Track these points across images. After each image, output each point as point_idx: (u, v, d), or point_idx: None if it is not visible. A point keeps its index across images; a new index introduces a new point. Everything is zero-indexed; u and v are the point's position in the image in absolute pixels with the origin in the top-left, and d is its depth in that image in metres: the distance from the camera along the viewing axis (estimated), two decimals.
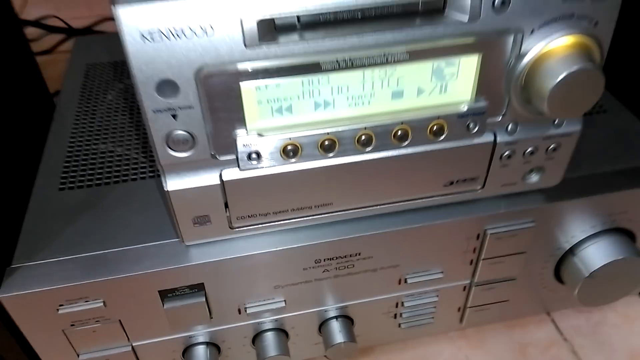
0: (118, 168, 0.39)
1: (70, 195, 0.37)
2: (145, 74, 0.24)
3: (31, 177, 0.39)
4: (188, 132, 0.26)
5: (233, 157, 0.27)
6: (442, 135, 0.29)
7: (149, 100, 0.24)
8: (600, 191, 0.35)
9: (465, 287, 0.39)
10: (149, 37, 0.23)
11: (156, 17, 0.22)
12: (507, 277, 0.38)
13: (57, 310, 0.32)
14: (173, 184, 0.28)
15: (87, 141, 0.42)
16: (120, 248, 0.33)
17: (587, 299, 0.38)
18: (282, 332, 0.38)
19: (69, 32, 0.79)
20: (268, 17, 0.23)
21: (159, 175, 0.36)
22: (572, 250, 0.37)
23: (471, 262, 0.37)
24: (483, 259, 0.36)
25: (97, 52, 0.54)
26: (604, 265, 0.36)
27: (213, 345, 0.37)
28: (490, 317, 0.42)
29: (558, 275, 0.39)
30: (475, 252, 0.36)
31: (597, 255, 0.36)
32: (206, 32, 0.23)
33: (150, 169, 0.39)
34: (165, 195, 0.29)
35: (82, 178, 0.38)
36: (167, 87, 0.24)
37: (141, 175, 0.38)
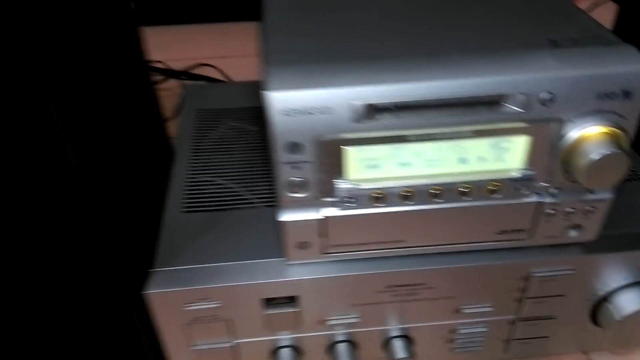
0: (226, 198, 0.49)
1: (192, 217, 0.47)
2: (281, 137, 0.33)
3: (162, 202, 0.49)
4: (304, 179, 0.35)
5: (334, 199, 0.36)
6: (496, 194, 0.37)
7: (280, 155, 0.34)
8: (633, 248, 0.42)
9: (511, 321, 0.45)
10: (288, 113, 0.32)
11: (295, 101, 0.32)
12: (548, 316, 0.45)
13: (183, 307, 0.41)
14: (286, 216, 0.37)
15: (201, 174, 0.52)
16: (234, 262, 0.42)
17: (621, 342, 0.44)
18: (352, 344, 0.46)
19: (169, 73, 0.92)
20: (371, 102, 0.32)
21: (261, 206, 0.45)
22: (606, 297, 0.44)
23: (517, 300, 0.44)
24: (527, 298, 0.43)
25: (205, 99, 0.65)
26: (636, 311, 0.42)
27: (296, 350, 0.46)
28: (531, 351, 0.48)
29: (594, 318, 0.45)
30: (521, 291, 0.43)
31: (629, 302, 0.43)
32: (328, 112, 0.32)
33: (250, 200, 0.48)
34: (278, 223, 0.38)
35: (200, 204, 0.48)
36: (294, 147, 0.34)
37: (245, 205, 0.48)
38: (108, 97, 0.41)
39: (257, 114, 0.62)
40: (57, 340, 0.41)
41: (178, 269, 0.42)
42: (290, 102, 0.32)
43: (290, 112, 0.32)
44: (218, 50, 1.05)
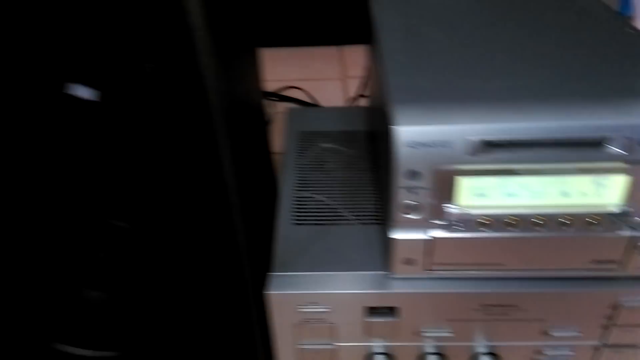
0: (325, 214, 0.54)
1: (300, 229, 0.52)
2: (402, 165, 0.38)
3: (273, 214, 0.55)
4: (417, 203, 0.40)
5: (442, 222, 0.40)
6: (594, 226, 0.40)
7: (399, 180, 0.39)
8: None
9: (596, 347, 0.48)
10: (411, 145, 0.37)
11: (418, 135, 0.37)
12: (633, 344, 0.47)
13: (296, 308, 0.46)
14: (397, 234, 0.42)
15: (303, 190, 0.58)
16: (342, 272, 0.47)
17: None
18: (442, 357, 0.49)
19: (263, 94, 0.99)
20: (486, 139, 0.37)
21: (356, 223, 0.50)
22: None
23: (604, 327, 0.46)
24: (615, 325, 0.46)
25: (304, 121, 0.71)
26: None
27: (389, 357, 0.50)
28: None
29: None
30: (609, 319, 0.46)
31: None
32: (446, 145, 0.37)
33: (347, 217, 0.53)
34: (387, 240, 0.42)
35: (306, 218, 0.54)
36: (412, 174, 0.38)
37: (342, 222, 0.53)
38: (250, 124, 0.48)
39: (350, 137, 0.67)
40: (184, 327, 0.47)
41: (294, 274, 0.47)
42: (414, 136, 0.37)
43: (413, 145, 0.37)
44: (304, 72, 1.12)
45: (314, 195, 0.57)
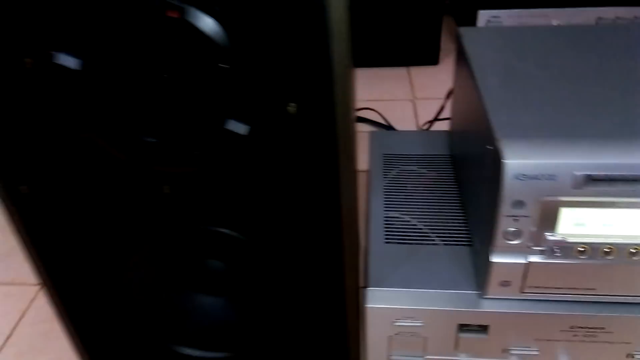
0: (412, 234, 0.58)
1: (392, 248, 0.56)
2: (508, 196, 0.41)
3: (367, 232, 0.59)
4: (519, 230, 0.43)
5: (541, 249, 0.44)
6: None
7: (504, 209, 0.42)
8: None
9: None
10: (518, 177, 0.40)
11: (526, 169, 0.40)
12: None
13: (393, 322, 0.50)
14: (497, 258, 0.45)
15: (391, 211, 0.61)
16: (436, 290, 0.50)
17: None
18: None
19: None
20: (590, 174, 0.40)
21: (441, 244, 0.53)
22: None
23: None
24: None
25: (387, 144, 0.74)
26: None
27: None
28: None
29: None
30: None
31: None
32: (552, 179, 0.40)
33: (432, 238, 0.56)
34: (484, 262, 0.46)
35: (395, 237, 0.57)
36: (517, 204, 0.42)
37: (428, 242, 0.56)
38: None
39: (430, 160, 0.71)
40: (285, 332, 0.52)
41: (386, 290, 0.51)
42: (522, 169, 0.40)
43: (521, 177, 0.40)
44: (374, 93, 1.16)
45: (401, 216, 0.61)
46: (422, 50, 1.27)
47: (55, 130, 0.40)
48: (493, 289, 0.47)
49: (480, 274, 0.49)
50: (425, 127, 0.97)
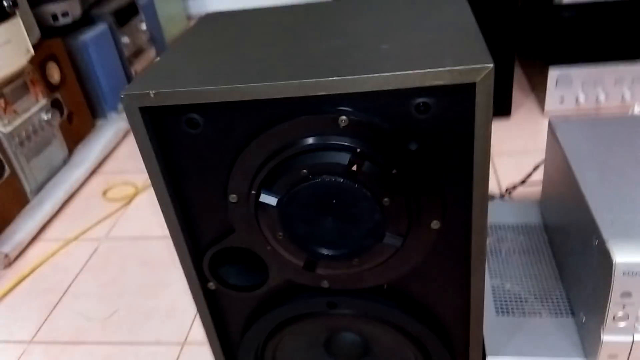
0: (516, 303, 0.66)
1: (502, 319, 0.64)
2: (617, 288, 0.49)
3: None
4: (626, 313, 0.50)
5: None
6: None
7: (615, 299, 0.50)
8: None
9: None
10: (626, 272, 0.48)
11: (634, 265, 0.48)
12: None
13: None
14: (606, 337, 0.52)
15: (496, 278, 0.69)
16: (547, 357, 0.58)
17: None
18: None
19: None
20: None
21: (549, 314, 0.61)
22: None
23: None
24: None
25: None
26: None
27: None
28: None
29: None
30: None
31: None
32: None
33: (538, 310, 0.64)
34: (598, 342, 0.53)
35: (505, 307, 0.65)
36: (625, 294, 0.49)
37: (536, 312, 0.64)
38: None
39: (524, 229, 0.78)
40: None
41: (507, 357, 0.59)
42: (630, 268, 0.48)
43: (629, 272, 0.48)
44: None
45: (503, 283, 0.69)
46: (495, 102, 1.35)
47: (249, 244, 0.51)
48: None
49: (588, 346, 0.56)
50: (508, 191, 1.04)
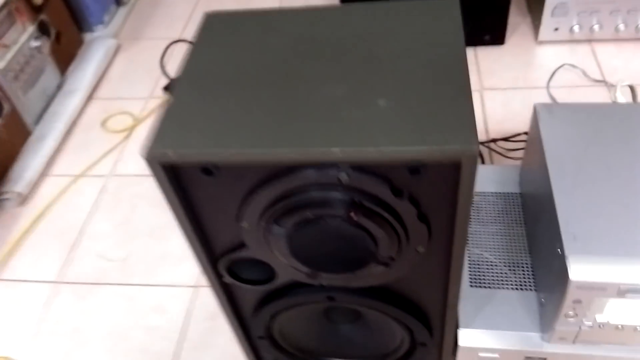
0: (494, 274, 0.76)
1: (475, 291, 0.74)
2: (571, 297, 0.58)
3: None
4: (575, 313, 0.60)
5: (589, 323, 0.61)
6: None
7: (567, 303, 0.59)
8: None
9: None
10: (580, 287, 0.57)
11: (587, 285, 0.56)
12: None
13: (478, 354, 0.70)
14: (557, 326, 0.63)
15: (473, 246, 0.79)
16: (508, 331, 0.69)
17: None
18: None
19: None
20: (629, 289, 0.56)
21: (516, 288, 0.71)
22: None
23: None
24: None
25: None
26: None
27: None
28: None
29: None
30: None
31: None
32: (603, 288, 0.57)
33: (509, 278, 0.74)
34: (551, 327, 0.64)
35: (481, 280, 0.75)
36: (577, 301, 0.59)
37: (505, 287, 0.74)
38: None
39: (501, 197, 0.86)
40: None
41: (476, 331, 0.70)
42: (584, 283, 0.57)
43: (582, 287, 0.57)
44: None
45: (476, 251, 0.79)
46: (489, 30, 1.34)
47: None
48: (554, 340, 0.66)
49: (544, 324, 0.67)
50: (494, 140, 1.09)
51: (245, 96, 0.52)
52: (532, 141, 0.77)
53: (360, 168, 0.48)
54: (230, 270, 0.63)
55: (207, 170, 0.50)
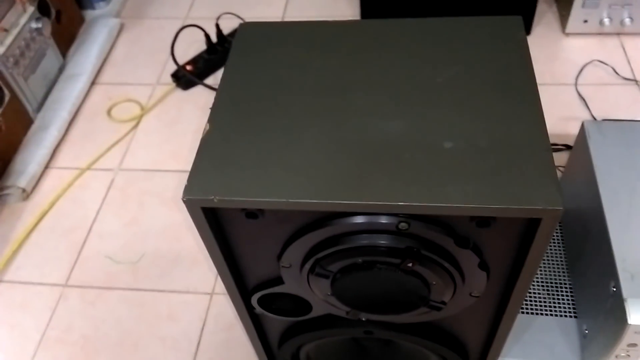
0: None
1: None
2: (627, 340, 0.55)
3: None
4: (628, 354, 0.57)
5: None
6: None
7: (621, 346, 0.56)
8: None
9: None
10: (637, 331, 0.54)
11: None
12: None
13: None
14: None
15: None
16: None
17: None
18: None
19: None
20: None
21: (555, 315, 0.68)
22: None
23: None
24: None
25: None
26: None
27: None
28: None
29: None
30: None
31: None
32: None
33: (548, 307, 0.71)
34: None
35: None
36: (632, 345, 0.55)
37: (545, 313, 0.71)
38: None
39: None
40: None
41: None
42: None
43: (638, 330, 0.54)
44: None
45: None
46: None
47: None
48: None
49: (587, 357, 0.64)
50: None
51: (291, 128, 0.47)
52: (577, 159, 0.72)
53: (422, 216, 0.43)
54: (261, 300, 0.59)
55: (252, 214, 0.46)
